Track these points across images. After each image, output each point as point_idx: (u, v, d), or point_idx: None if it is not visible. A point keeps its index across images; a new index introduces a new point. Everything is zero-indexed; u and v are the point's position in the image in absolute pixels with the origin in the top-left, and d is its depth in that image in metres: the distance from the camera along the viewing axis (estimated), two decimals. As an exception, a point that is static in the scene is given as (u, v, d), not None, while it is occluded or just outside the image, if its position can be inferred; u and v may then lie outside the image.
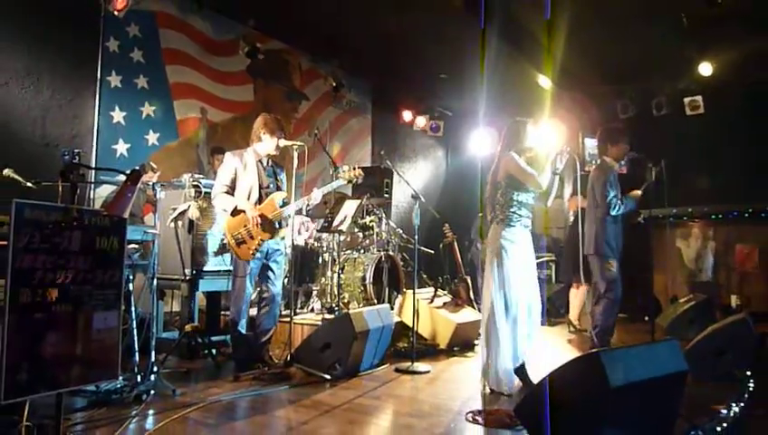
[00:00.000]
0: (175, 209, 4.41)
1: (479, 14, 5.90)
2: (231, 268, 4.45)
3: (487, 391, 3.82)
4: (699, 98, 7.74)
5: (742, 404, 3.57)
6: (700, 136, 7.94)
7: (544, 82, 8.09)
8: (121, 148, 6.08)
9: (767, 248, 7.08)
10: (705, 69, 7.29)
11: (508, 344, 3.80)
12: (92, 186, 5.43)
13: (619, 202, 4.68)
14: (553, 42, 6.63)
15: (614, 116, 8.32)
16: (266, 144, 4.32)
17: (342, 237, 5.85)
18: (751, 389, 3.83)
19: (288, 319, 4.57)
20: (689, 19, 6.24)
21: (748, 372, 4.06)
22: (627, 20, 6.59)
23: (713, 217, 7.52)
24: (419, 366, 4.47)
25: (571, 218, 6.52)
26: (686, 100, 7.84)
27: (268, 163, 4.42)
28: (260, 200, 4.27)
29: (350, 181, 4.68)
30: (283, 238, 4.45)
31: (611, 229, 4.73)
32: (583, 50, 7.30)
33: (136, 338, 3.68)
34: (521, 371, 3.90)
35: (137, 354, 3.66)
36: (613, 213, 4.67)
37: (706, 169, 7.84)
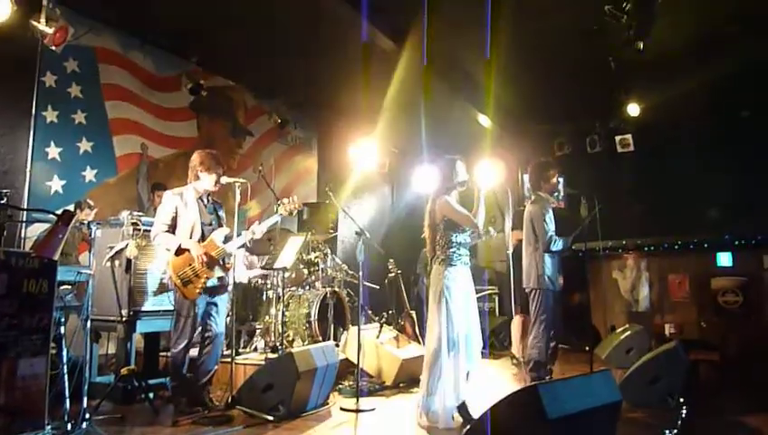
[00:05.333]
0: (112, 248, 4.29)
1: (421, 53, 6.10)
2: (171, 308, 4.34)
3: (426, 424, 3.82)
4: (629, 136, 8.20)
5: (675, 430, 3.71)
6: (631, 172, 8.44)
7: (484, 120, 8.39)
8: (56, 184, 5.88)
9: (697, 278, 7.44)
10: (633, 109, 7.75)
11: (451, 381, 3.83)
12: (23, 225, 5.21)
13: (557, 239, 4.80)
14: (492, 82, 6.90)
15: (551, 153, 8.69)
16: (204, 181, 4.29)
17: (287, 274, 5.79)
18: (683, 415, 3.99)
19: (229, 359, 4.46)
20: (617, 63, 6.64)
21: (681, 399, 4.23)
22: (560, 63, 6.96)
23: (645, 249, 7.89)
24: (365, 404, 4.44)
25: (512, 251, 6.67)
26: (618, 138, 8.29)
27: (209, 200, 4.39)
28: (203, 237, 4.22)
29: (290, 214, 4.67)
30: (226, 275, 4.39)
31: (550, 262, 4.83)
32: (521, 91, 7.64)
33: (67, 383, 3.51)
34: (462, 409, 3.93)
35: (67, 401, 3.48)
36: (553, 249, 4.76)
37: (638, 203, 8.27)
